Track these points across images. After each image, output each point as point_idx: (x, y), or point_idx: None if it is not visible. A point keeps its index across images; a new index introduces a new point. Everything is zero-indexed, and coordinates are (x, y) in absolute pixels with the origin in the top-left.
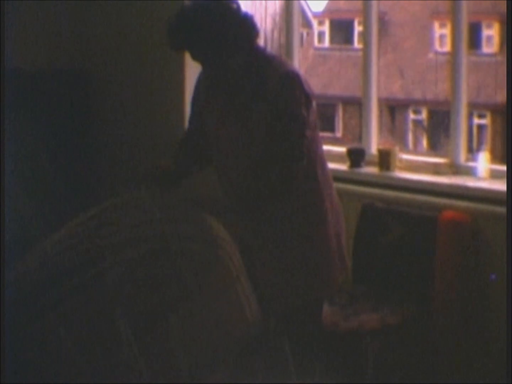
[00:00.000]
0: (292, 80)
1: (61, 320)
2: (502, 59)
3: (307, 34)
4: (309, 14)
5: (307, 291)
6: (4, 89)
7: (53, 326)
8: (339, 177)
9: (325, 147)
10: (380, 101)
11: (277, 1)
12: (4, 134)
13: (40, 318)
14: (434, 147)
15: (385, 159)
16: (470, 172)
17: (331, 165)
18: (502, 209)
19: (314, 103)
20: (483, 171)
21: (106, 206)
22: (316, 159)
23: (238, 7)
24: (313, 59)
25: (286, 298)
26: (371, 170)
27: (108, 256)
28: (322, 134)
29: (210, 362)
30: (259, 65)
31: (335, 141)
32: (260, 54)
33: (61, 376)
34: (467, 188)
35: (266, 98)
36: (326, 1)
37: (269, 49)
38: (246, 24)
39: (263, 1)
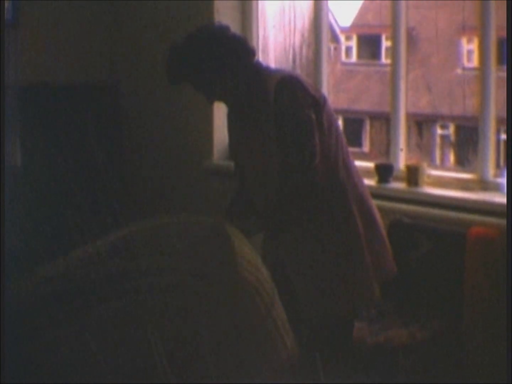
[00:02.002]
0: (289, 83)
1: (88, 328)
2: None
3: (335, 49)
4: (337, 29)
5: (342, 306)
6: (4, 92)
7: (79, 332)
8: None
9: None
10: (408, 116)
11: (305, 16)
12: (4, 135)
13: (66, 324)
14: (461, 163)
15: (413, 175)
16: (498, 188)
17: None
18: None
19: (328, 106)
20: None
21: (134, 229)
22: (338, 165)
23: (227, 30)
24: (340, 74)
25: (322, 312)
26: (399, 185)
27: (138, 277)
28: (349, 149)
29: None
30: (261, 81)
31: (362, 156)
32: (260, 70)
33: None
34: (495, 204)
35: (269, 109)
36: (354, 16)
37: (297, 64)
38: (238, 45)
39: (292, 16)
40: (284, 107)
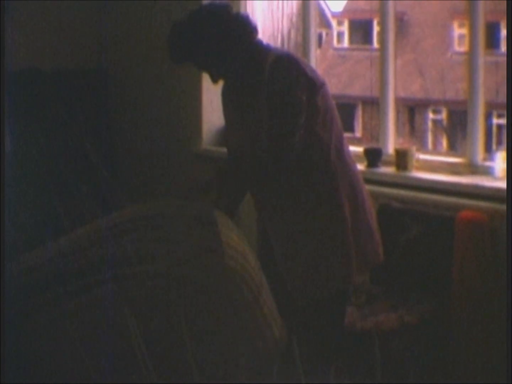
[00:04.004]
0: (285, 62)
1: (68, 316)
2: None
3: (326, 34)
4: (328, 14)
5: (321, 285)
6: (4, 89)
7: (60, 321)
8: None
9: None
10: (399, 101)
11: (294, 1)
12: (4, 134)
13: (46, 312)
14: (454, 147)
15: (402, 159)
16: (487, 172)
17: None
18: None
19: (325, 89)
20: (500, 171)
21: (125, 213)
22: (330, 148)
23: (230, 8)
24: (332, 59)
25: (304, 291)
26: (388, 170)
27: (119, 265)
28: None
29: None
30: (259, 59)
31: (355, 141)
32: (260, 49)
33: (64, 373)
34: (484, 188)
35: (263, 85)
36: (345, 1)
37: (285, 49)
38: (239, 25)
39: (280, 1)
40: (275, 85)
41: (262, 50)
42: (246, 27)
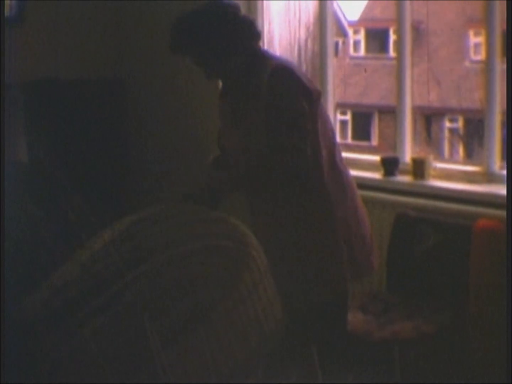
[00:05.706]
0: (282, 73)
1: (93, 336)
2: None
3: (343, 43)
4: (345, 23)
5: (309, 295)
6: (4, 91)
7: (86, 343)
8: (372, 185)
9: (360, 156)
10: (416, 110)
11: (310, 11)
12: (4, 134)
13: (72, 336)
14: (470, 156)
15: (419, 168)
16: (504, 180)
17: (365, 174)
18: None
19: (320, 99)
20: None
21: (135, 218)
22: (323, 157)
23: (238, 9)
24: (348, 68)
25: (294, 301)
26: (405, 178)
27: (139, 262)
28: (358, 142)
29: (241, 366)
30: (257, 67)
31: (371, 150)
32: (260, 56)
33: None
34: (501, 197)
35: (261, 98)
36: (362, 10)
37: (303, 58)
38: (244, 28)
39: (297, 10)
40: (278, 95)
41: (260, 56)
42: (250, 31)
